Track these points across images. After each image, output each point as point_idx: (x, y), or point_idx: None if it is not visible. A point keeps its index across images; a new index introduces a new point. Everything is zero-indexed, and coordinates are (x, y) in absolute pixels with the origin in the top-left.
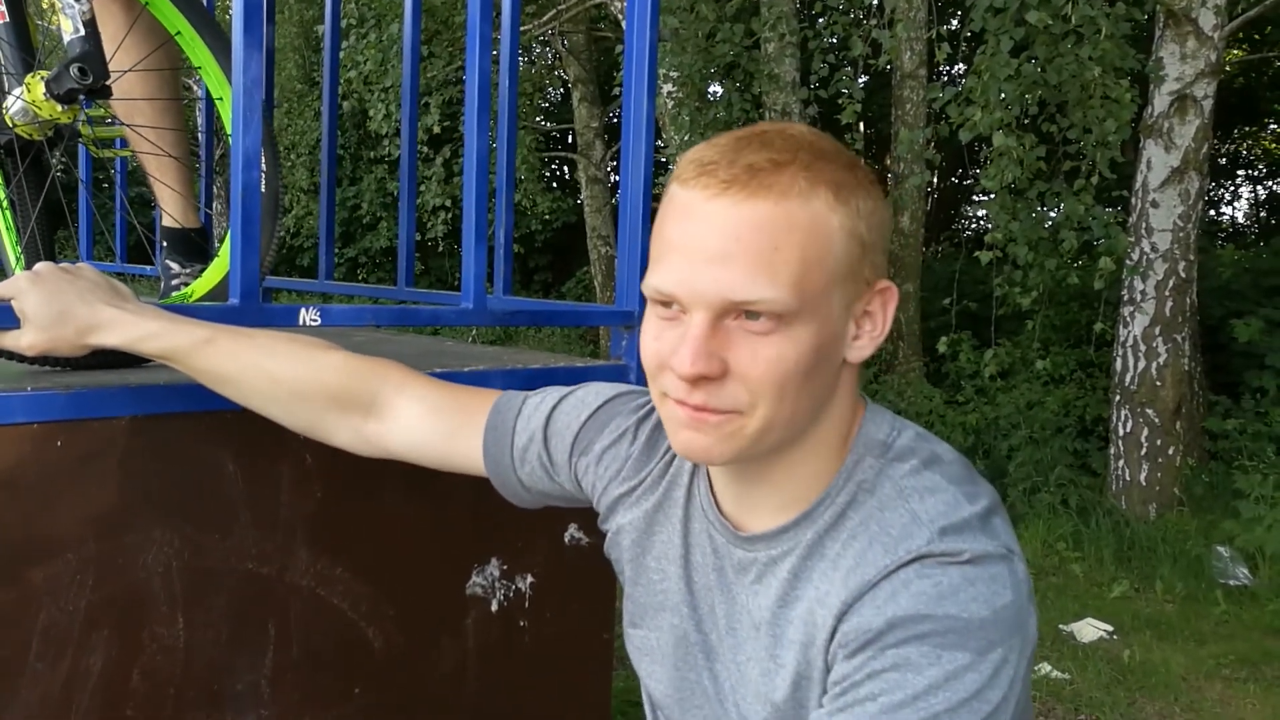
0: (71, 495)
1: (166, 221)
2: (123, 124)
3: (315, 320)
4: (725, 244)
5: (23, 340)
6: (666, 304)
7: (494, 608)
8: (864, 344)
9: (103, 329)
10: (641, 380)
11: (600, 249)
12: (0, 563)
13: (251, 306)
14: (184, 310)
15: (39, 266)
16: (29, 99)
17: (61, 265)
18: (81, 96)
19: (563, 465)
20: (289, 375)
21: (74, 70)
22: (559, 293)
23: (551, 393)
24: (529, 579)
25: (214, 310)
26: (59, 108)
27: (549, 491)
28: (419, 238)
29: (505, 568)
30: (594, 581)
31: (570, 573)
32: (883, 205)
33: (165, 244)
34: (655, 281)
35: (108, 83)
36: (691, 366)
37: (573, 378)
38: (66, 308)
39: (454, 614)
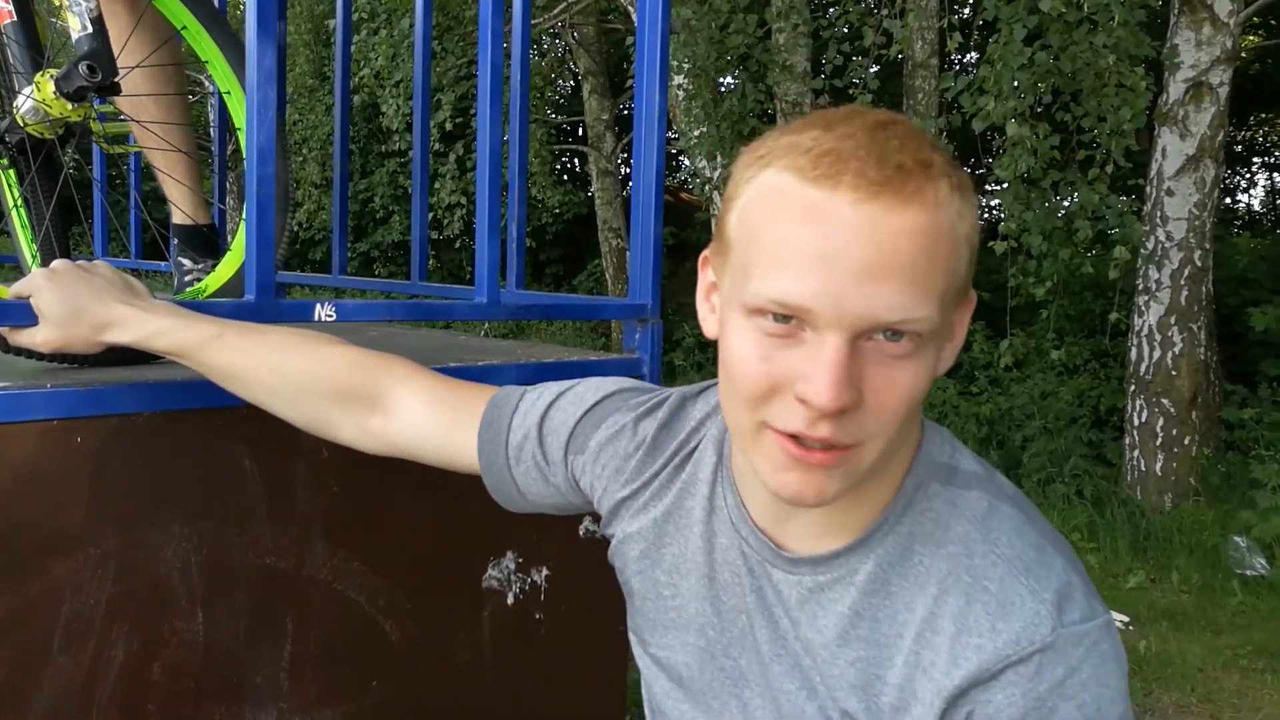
0: (91, 490)
1: (177, 218)
2: (130, 120)
3: (330, 316)
4: (881, 257)
5: (38, 337)
6: (782, 317)
7: (510, 601)
8: (947, 357)
9: (115, 326)
10: (655, 373)
11: (611, 241)
12: (22, 556)
13: (267, 302)
14: (199, 307)
15: (55, 264)
16: (39, 97)
17: (77, 263)
18: (91, 94)
19: (558, 464)
20: (295, 370)
21: (83, 68)
22: (570, 286)
23: (549, 388)
24: (544, 572)
25: (230, 306)
26: (69, 106)
27: (544, 495)
28: (434, 235)
29: (521, 561)
30: (609, 574)
31: (585, 565)
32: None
33: (177, 240)
34: (777, 293)
35: (117, 80)
36: (835, 400)
37: (585, 371)
38: (81, 305)
39: (470, 607)
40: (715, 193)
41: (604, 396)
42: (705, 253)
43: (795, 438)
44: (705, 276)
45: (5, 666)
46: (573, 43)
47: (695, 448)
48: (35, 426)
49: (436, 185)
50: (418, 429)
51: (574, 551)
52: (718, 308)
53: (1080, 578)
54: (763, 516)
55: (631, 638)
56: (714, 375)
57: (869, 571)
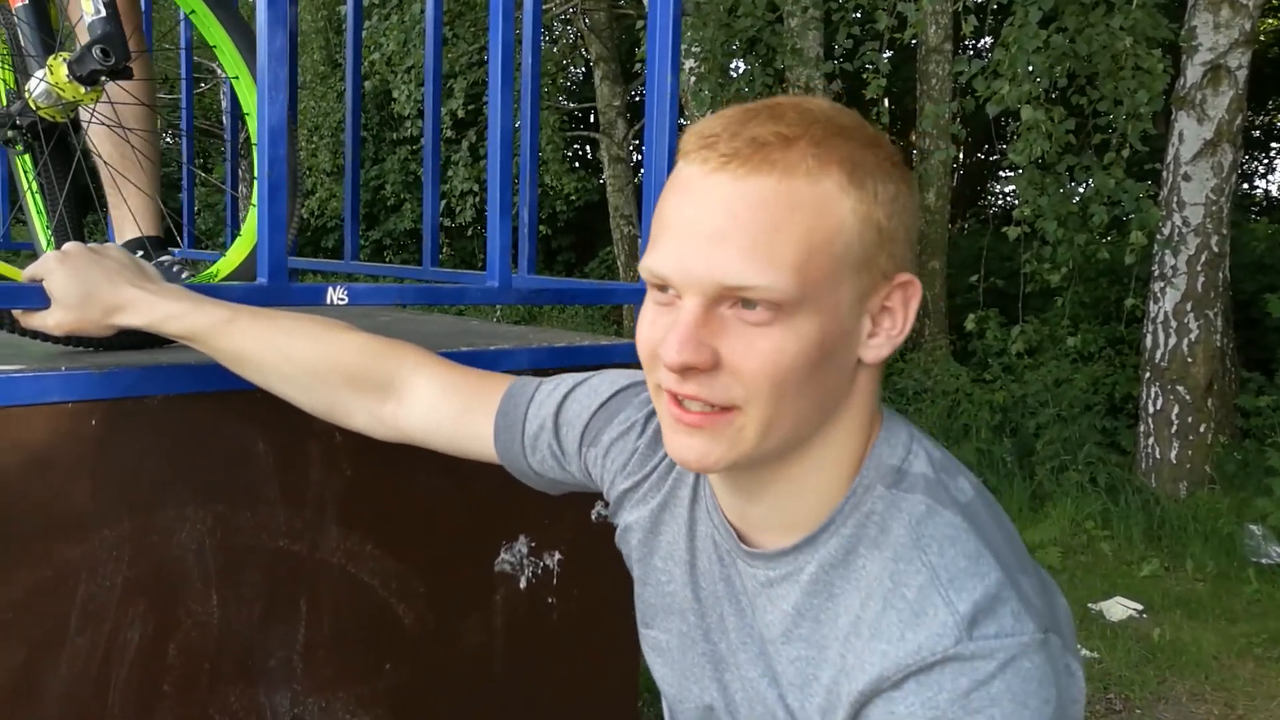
0: (106, 473)
1: (132, 233)
2: (104, 124)
3: (343, 299)
4: (720, 222)
5: (50, 320)
6: (662, 288)
7: (522, 584)
8: (880, 343)
9: (127, 309)
10: None
11: (623, 228)
12: (39, 538)
13: (279, 285)
14: (211, 291)
15: (67, 247)
16: (52, 81)
17: (90, 246)
18: (104, 78)
19: (573, 455)
20: (306, 356)
21: (97, 51)
22: (582, 272)
23: (565, 380)
24: (557, 556)
25: (242, 290)
26: (82, 90)
27: (562, 480)
28: (445, 222)
29: (533, 544)
30: (620, 558)
31: (598, 549)
32: (907, 191)
33: (140, 253)
34: (649, 262)
35: (129, 63)
36: (678, 354)
37: (597, 356)
38: (93, 288)
39: (483, 591)
40: None
41: (618, 390)
42: None
43: (676, 399)
44: None
45: (23, 647)
46: (584, 28)
47: None
48: (50, 409)
49: (449, 173)
50: (431, 416)
51: (586, 536)
52: None
53: (1017, 594)
54: (728, 506)
55: (640, 628)
56: None
57: (812, 572)
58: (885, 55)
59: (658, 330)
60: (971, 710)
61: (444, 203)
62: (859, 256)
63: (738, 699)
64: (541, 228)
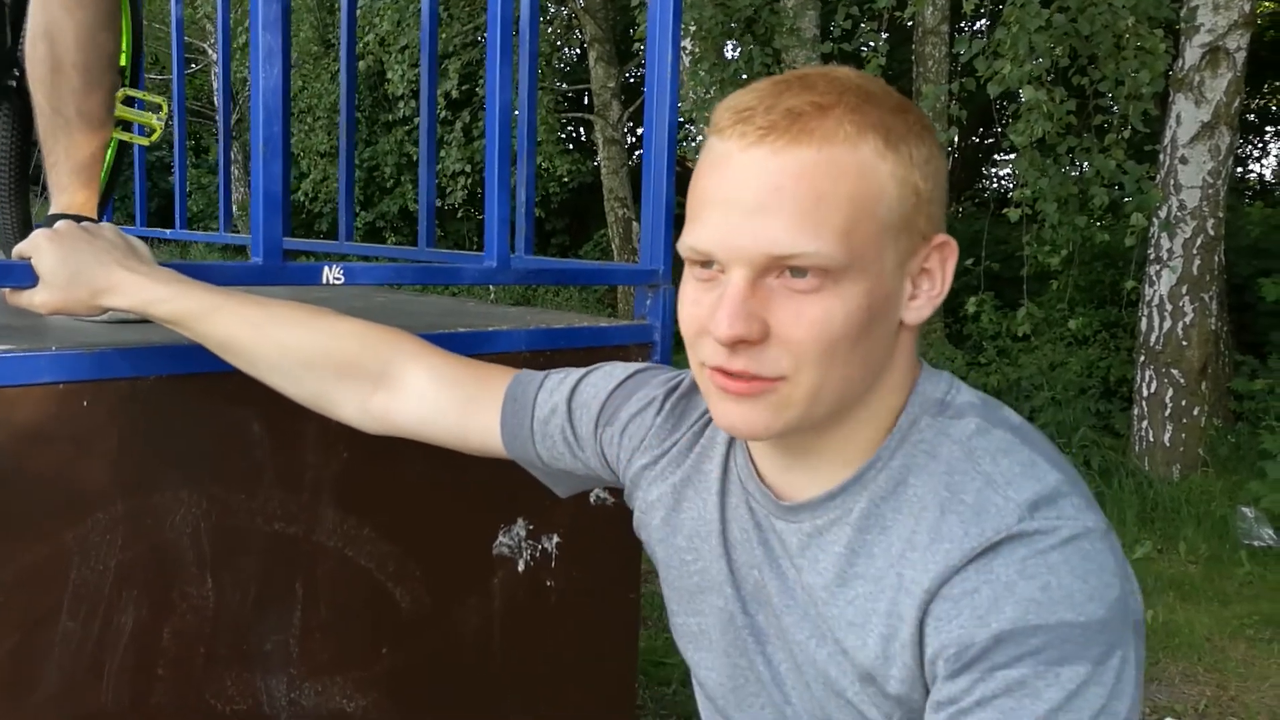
0: (99, 455)
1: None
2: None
3: (339, 279)
4: (764, 195)
5: (36, 298)
6: (705, 264)
7: (521, 567)
8: (922, 304)
9: (114, 291)
10: (667, 339)
11: (617, 211)
12: (31, 521)
13: (274, 265)
14: (205, 271)
15: (59, 224)
16: None
17: (83, 225)
18: None
19: (588, 438)
20: (296, 343)
21: None
22: (576, 254)
23: (575, 370)
24: (555, 539)
25: (237, 270)
26: None
27: (571, 469)
28: (439, 204)
29: (531, 528)
30: (619, 541)
31: (596, 532)
32: (938, 153)
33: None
34: (691, 240)
35: None
36: (730, 328)
37: (595, 337)
38: (80, 268)
39: (481, 574)
40: None
41: (635, 371)
42: None
43: (721, 371)
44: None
45: (15, 631)
46: (579, 9)
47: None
48: (42, 390)
49: (442, 154)
50: (428, 408)
51: (585, 519)
52: None
53: (1078, 492)
54: (768, 470)
55: (670, 617)
56: None
57: (862, 508)
58: (883, 36)
59: (702, 307)
60: (1027, 575)
61: (436, 183)
62: (899, 220)
63: (783, 670)
64: (536, 210)
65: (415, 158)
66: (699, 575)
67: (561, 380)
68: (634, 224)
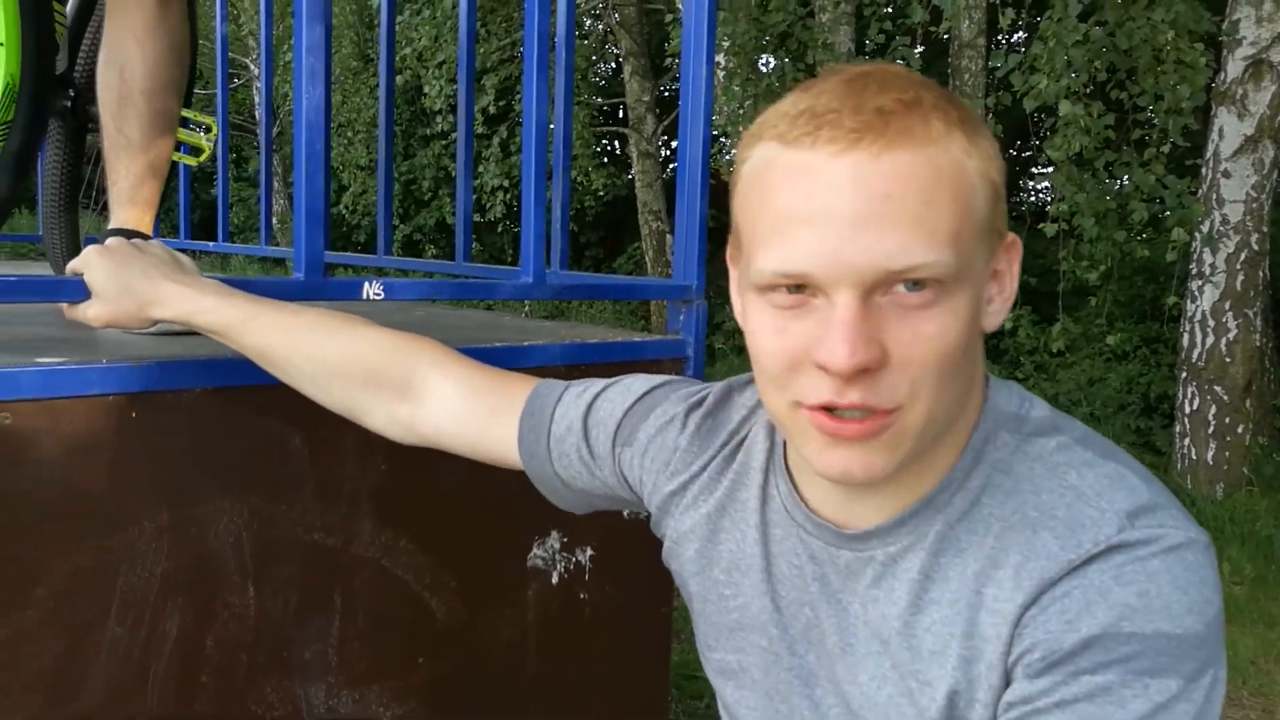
0: (145, 465)
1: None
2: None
3: (379, 294)
4: (871, 205)
5: (89, 312)
6: (794, 288)
7: (554, 580)
8: (997, 309)
9: (161, 303)
10: (700, 354)
11: (651, 224)
12: (81, 527)
13: (315, 280)
14: (248, 287)
15: (109, 241)
16: None
17: (131, 241)
18: None
19: (605, 458)
20: (326, 354)
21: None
22: (610, 268)
23: (594, 383)
24: (588, 551)
25: (279, 285)
26: None
27: (589, 488)
28: (475, 217)
29: (565, 540)
30: (652, 554)
31: (629, 546)
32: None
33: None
34: (776, 263)
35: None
36: (851, 357)
37: (628, 351)
38: (129, 282)
39: (515, 586)
40: None
41: (653, 387)
42: (728, 248)
43: (828, 410)
44: (732, 271)
45: (65, 636)
46: (614, 24)
47: (745, 437)
48: (91, 401)
49: (480, 169)
50: (451, 418)
51: (618, 532)
52: (741, 297)
53: (1174, 505)
54: (824, 501)
55: (701, 651)
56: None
57: (938, 531)
58: (917, 50)
59: (794, 338)
60: (1123, 581)
61: (474, 198)
62: (986, 219)
63: (832, 714)
64: (570, 223)
65: (452, 171)
66: (738, 612)
67: (579, 395)
68: (667, 237)
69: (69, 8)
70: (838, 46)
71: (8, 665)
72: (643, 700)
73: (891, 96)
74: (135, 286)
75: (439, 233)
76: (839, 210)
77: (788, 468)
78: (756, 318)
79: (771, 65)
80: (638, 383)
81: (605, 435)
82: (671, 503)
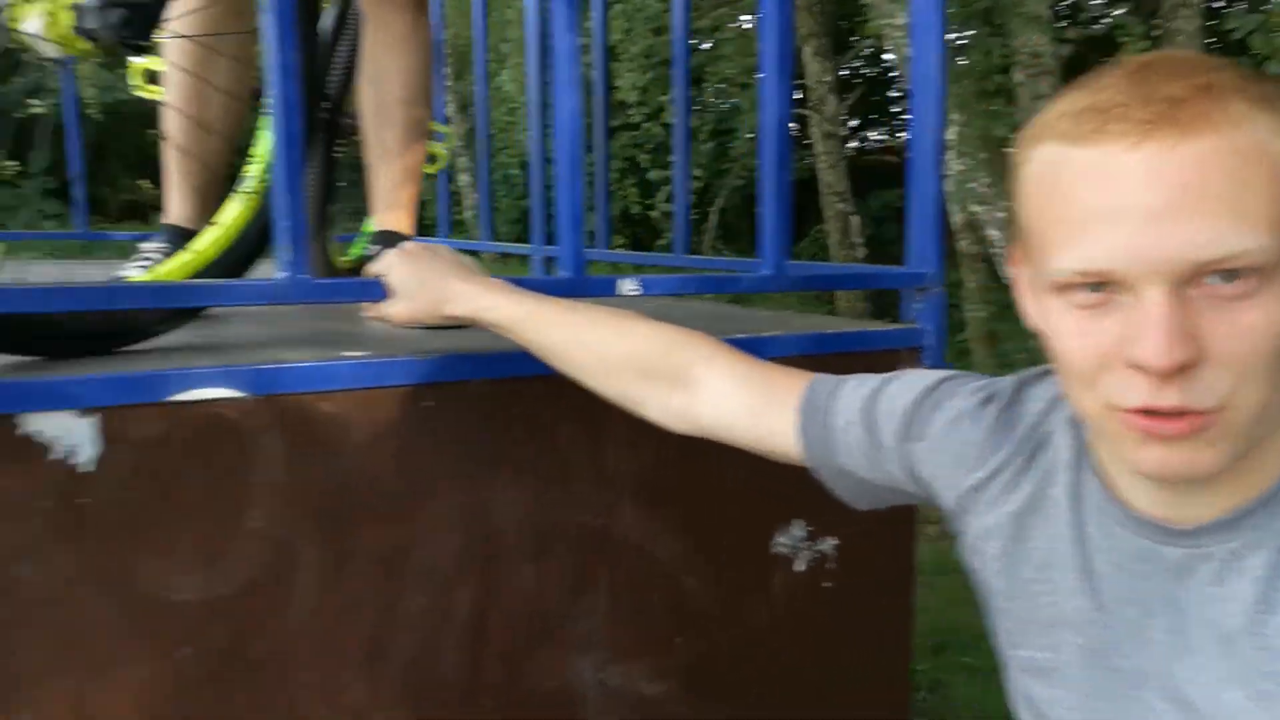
0: (438, 451)
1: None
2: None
3: (635, 290)
4: (1171, 196)
5: (392, 310)
6: (1095, 286)
7: (799, 567)
8: None
9: (452, 301)
10: (940, 346)
11: (836, 206)
12: (385, 506)
13: (579, 278)
14: (522, 284)
15: (407, 245)
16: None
17: (425, 245)
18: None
19: (891, 450)
20: (603, 348)
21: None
22: (792, 253)
23: (872, 377)
24: (833, 541)
25: (547, 283)
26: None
27: (870, 478)
28: (667, 209)
29: (811, 529)
30: (896, 545)
31: (873, 536)
32: None
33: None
34: (1075, 263)
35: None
36: (1168, 355)
37: (862, 341)
38: (426, 281)
39: (761, 573)
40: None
41: (940, 380)
42: (1012, 250)
43: (1145, 411)
44: (1019, 274)
45: (371, 611)
46: (796, 5)
47: (1048, 434)
48: (392, 391)
49: (670, 158)
50: (727, 409)
51: (862, 522)
52: (1035, 299)
53: None
54: (1146, 498)
55: (1006, 650)
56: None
57: None
58: (1120, 11)
59: (1101, 337)
60: None
61: (666, 189)
62: None
63: (1167, 718)
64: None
65: (638, 162)
66: (1051, 608)
67: (857, 388)
68: (850, 219)
69: (324, 24)
70: (1043, 16)
71: (337, 630)
72: (884, 690)
73: (1181, 83)
74: (431, 285)
75: (623, 222)
76: (1137, 204)
77: (1098, 464)
78: (1057, 319)
79: (971, 40)
80: (918, 378)
81: (890, 428)
82: (970, 499)
